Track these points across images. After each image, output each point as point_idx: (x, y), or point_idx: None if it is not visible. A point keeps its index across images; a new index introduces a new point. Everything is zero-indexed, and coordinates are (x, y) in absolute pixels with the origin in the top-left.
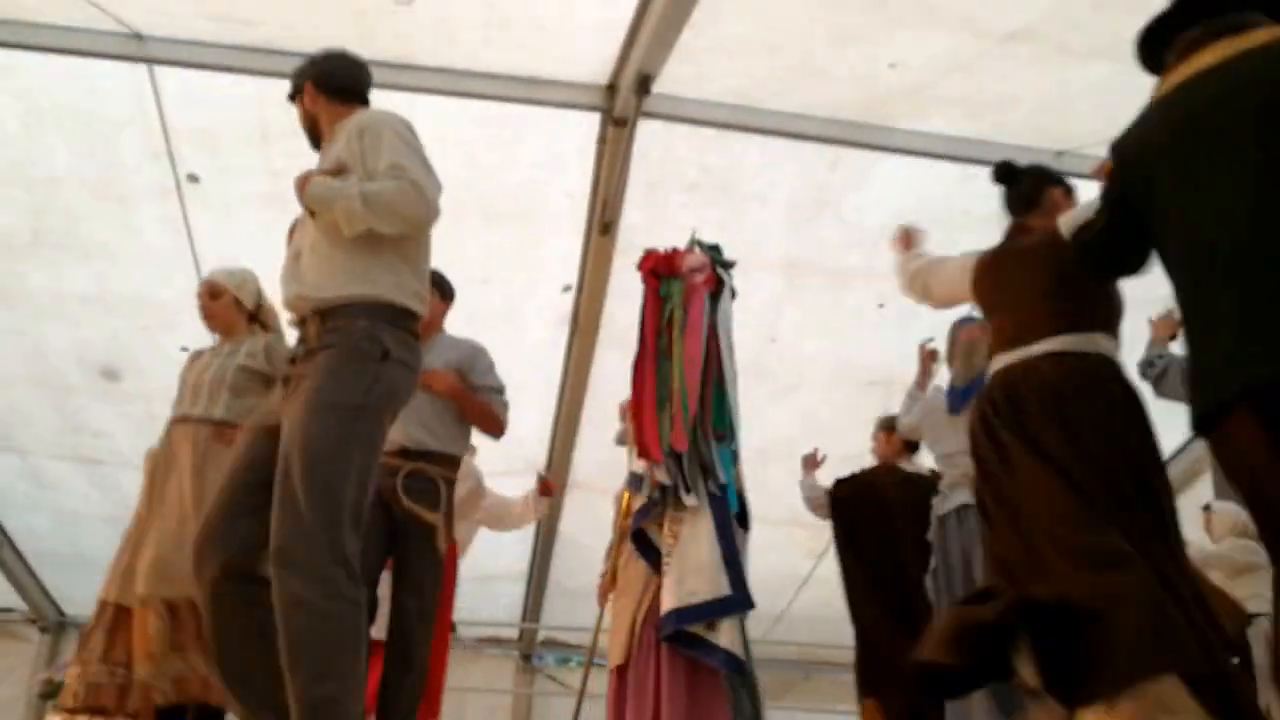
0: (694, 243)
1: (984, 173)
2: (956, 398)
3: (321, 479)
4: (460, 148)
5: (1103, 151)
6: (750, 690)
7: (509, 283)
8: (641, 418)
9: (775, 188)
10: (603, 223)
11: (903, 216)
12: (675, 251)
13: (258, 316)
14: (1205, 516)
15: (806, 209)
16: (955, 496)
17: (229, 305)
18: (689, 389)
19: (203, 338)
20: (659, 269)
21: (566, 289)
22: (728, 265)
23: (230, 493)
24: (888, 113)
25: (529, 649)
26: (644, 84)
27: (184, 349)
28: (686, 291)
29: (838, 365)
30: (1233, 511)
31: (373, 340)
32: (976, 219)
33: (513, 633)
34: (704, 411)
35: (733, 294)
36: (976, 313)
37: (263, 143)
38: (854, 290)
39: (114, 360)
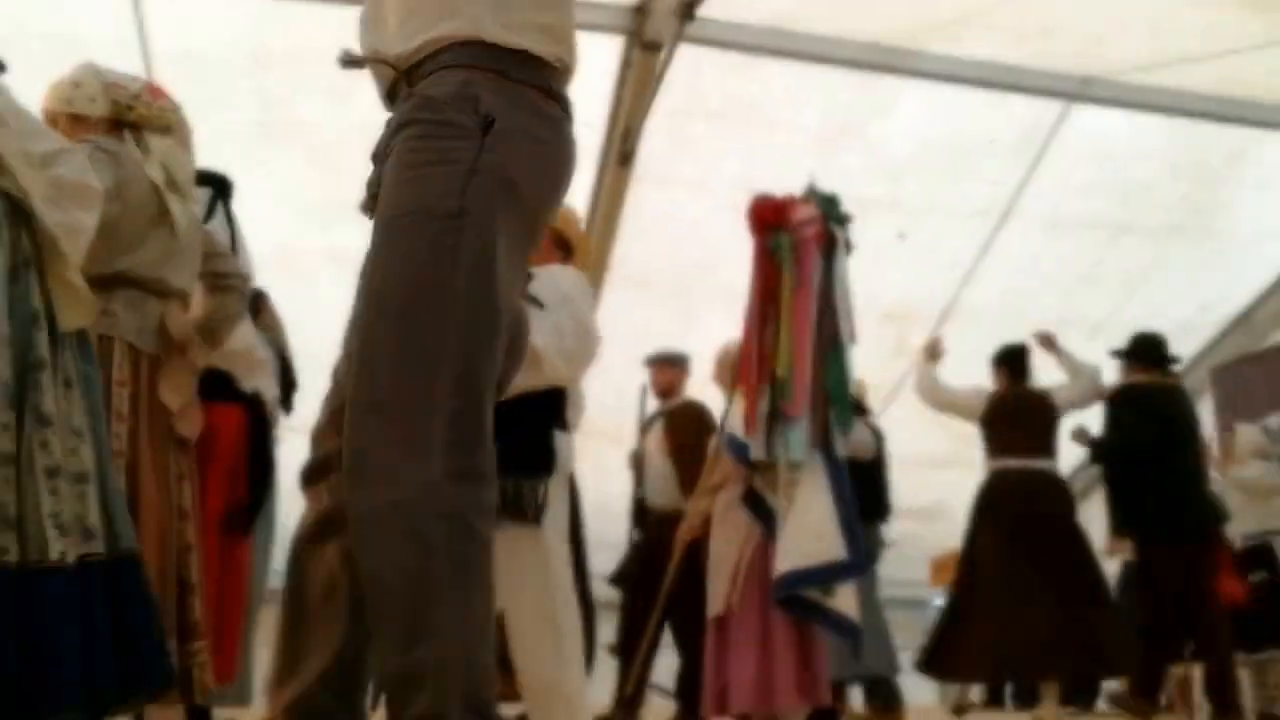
0: (810, 192)
1: (1010, 99)
2: None
3: (399, 329)
4: None
5: (1128, 79)
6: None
7: None
8: (745, 387)
9: (801, 116)
10: (621, 152)
11: (929, 146)
12: (788, 200)
13: (127, 119)
14: (1225, 437)
15: (831, 138)
16: None
17: (70, 128)
18: (797, 353)
19: None
20: (768, 219)
21: None
22: (843, 220)
23: (334, 392)
24: (922, 40)
25: None
26: (689, 7)
27: None
28: (796, 246)
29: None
30: (1254, 433)
31: (468, 104)
32: (1004, 146)
33: None
34: (817, 376)
35: (848, 248)
36: None
37: (257, 69)
38: (875, 221)
39: None
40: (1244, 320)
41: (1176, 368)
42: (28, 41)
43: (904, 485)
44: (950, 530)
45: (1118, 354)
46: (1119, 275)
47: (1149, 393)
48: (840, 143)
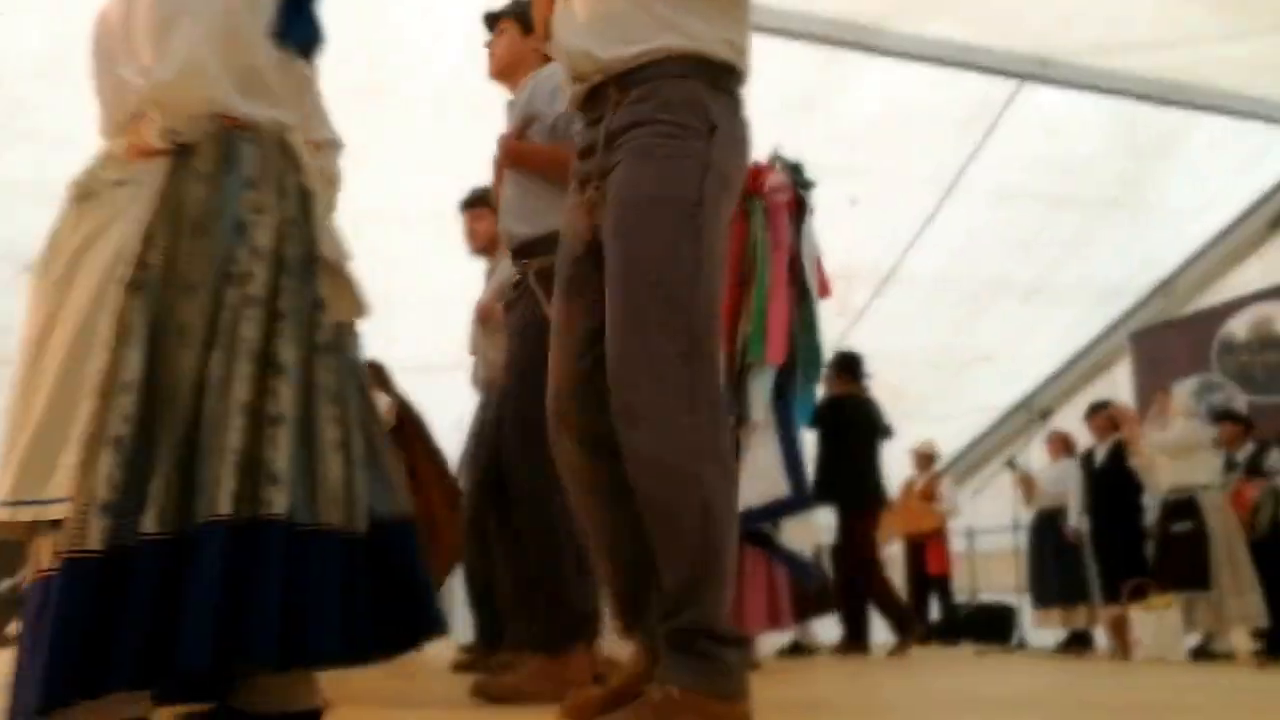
0: (775, 159)
1: (963, 78)
2: None
3: (658, 297)
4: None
5: (1080, 61)
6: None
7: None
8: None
9: (761, 88)
10: None
11: (886, 118)
12: (757, 167)
13: None
14: (1161, 395)
15: (792, 109)
16: None
17: None
18: (776, 309)
19: None
20: (744, 186)
21: None
22: (808, 186)
23: (568, 347)
24: (891, 22)
25: None
26: None
27: None
28: (769, 212)
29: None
30: (1186, 392)
31: (698, 110)
32: (956, 121)
33: None
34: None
35: (810, 213)
36: None
37: None
38: (828, 188)
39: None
40: (1165, 288)
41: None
42: None
43: None
44: None
45: (829, 366)
46: (1054, 244)
47: (844, 403)
48: (799, 114)
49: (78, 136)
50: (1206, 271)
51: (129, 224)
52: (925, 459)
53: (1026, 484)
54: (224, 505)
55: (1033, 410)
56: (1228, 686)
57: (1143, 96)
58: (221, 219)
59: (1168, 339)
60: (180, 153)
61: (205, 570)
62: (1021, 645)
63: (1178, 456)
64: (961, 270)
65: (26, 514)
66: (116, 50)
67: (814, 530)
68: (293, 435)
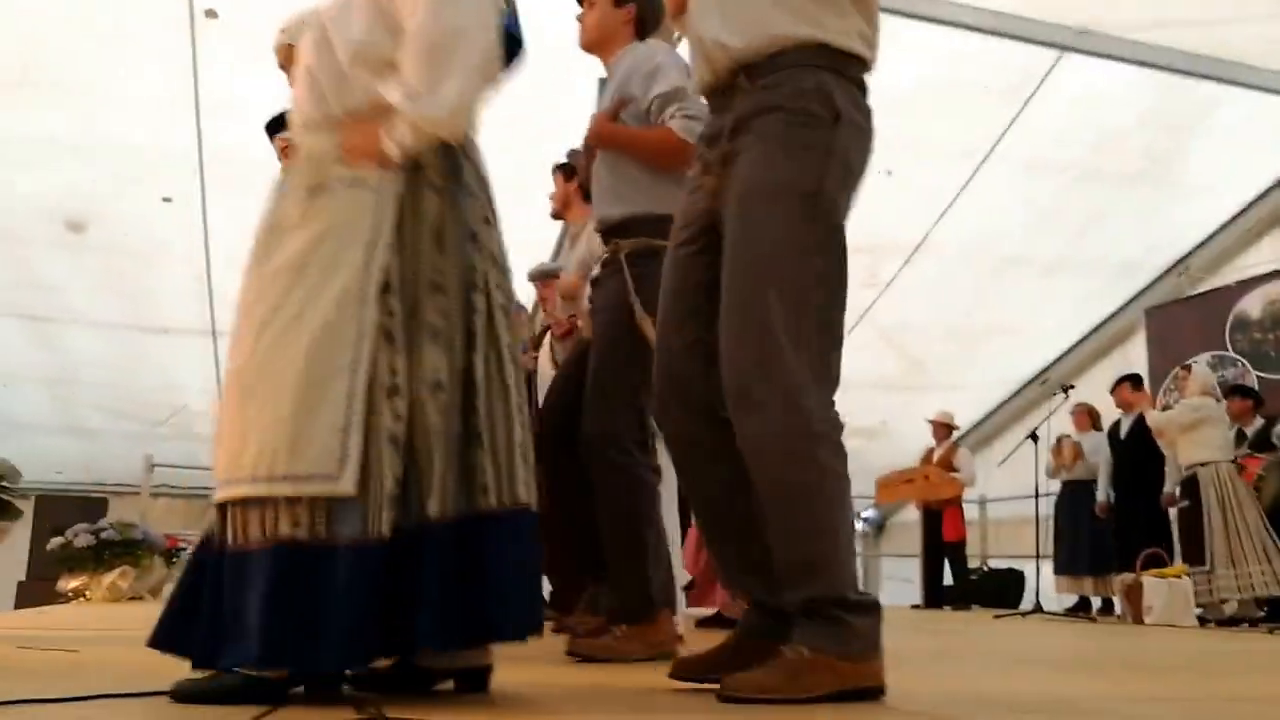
0: None
1: (1001, 48)
2: None
3: (778, 285)
4: None
5: (1121, 34)
6: None
7: None
8: None
9: None
10: None
11: (924, 86)
12: None
13: None
14: (1182, 374)
15: None
16: None
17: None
18: None
19: (190, 189)
20: None
21: None
22: None
23: (678, 324)
24: None
25: None
26: None
27: (166, 199)
28: None
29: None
30: (1202, 373)
31: (824, 99)
32: (987, 92)
33: None
34: None
35: None
36: None
37: None
38: None
39: (83, 211)
40: (1181, 264)
41: (1115, 307)
42: None
43: (853, 405)
44: (892, 449)
45: None
46: (1078, 218)
47: None
48: None
49: (119, 96)
50: (1223, 249)
51: (375, 230)
52: (944, 428)
53: (1071, 451)
54: (524, 495)
55: (1047, 383)
56: (1265, 650)
57: (1181, 70)
58: (458, 228)
59: (1182, 315)
60: (412, 164)
61: (502, 554)
62: (1039, 609)
63: (1186, 433)
64: (985, 242)
65: (284, 489)
66: (340, 43)
67: None
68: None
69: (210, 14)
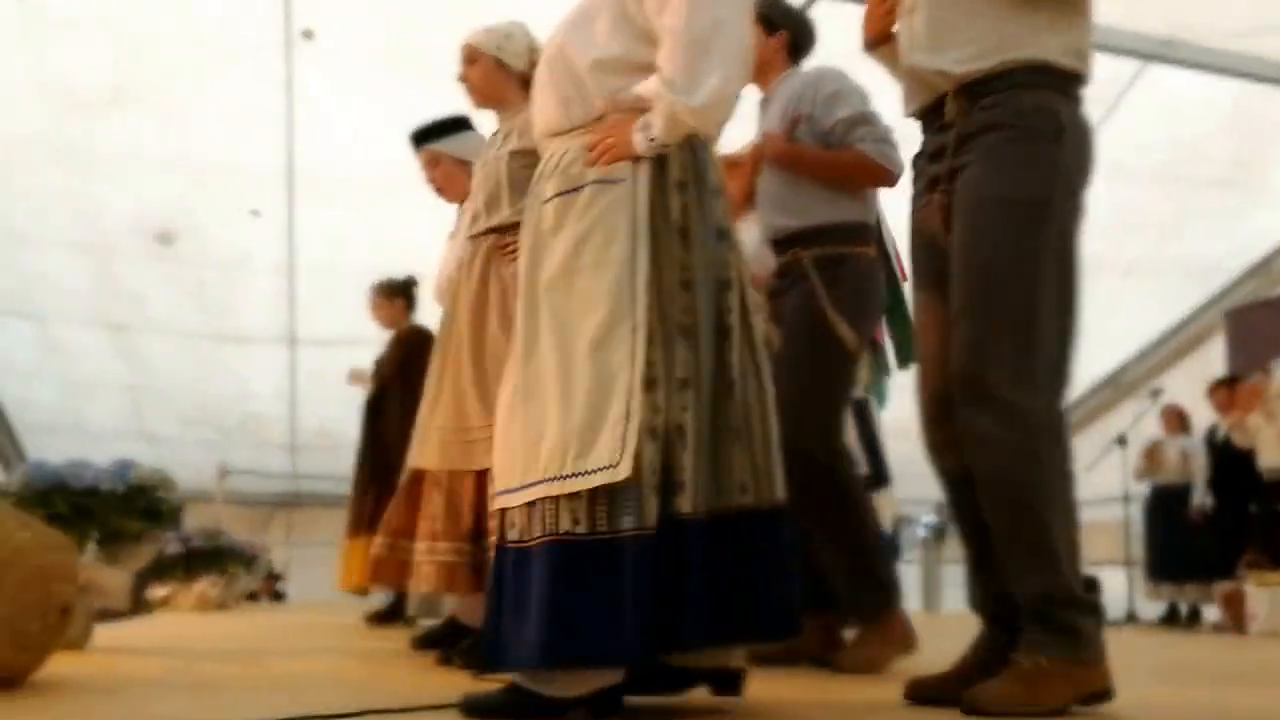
0: None
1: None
2: None
3: (1005, 288)
4: None
5: (1205, 43)
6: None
7: None
8: None
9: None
10: None
11: None
12: None
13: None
14: (1261, 376)
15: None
16: None
17: (490, 72)
18: None
19: (277, 204)
20: None
21: None
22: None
23: (938, 345)
24: None
25: None
26: None
27: (254, 212)
28: None
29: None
30: None
31: (1047, 115)
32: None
33: None
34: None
35: None
36: None
37: None
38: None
39: (172, 223)
40: (1262, 268)
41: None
42: None
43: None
44: None
45: None
46: (1159, 221)
47: None
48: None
49: (214, 113)
50: None
51: (632, 226)
52: None
53: (1154, 457)
54: (780, 491)
55: (1120, 385)
56: None
57: (1265, 79)
58: (703, 226)
59: (1262, 317)
60: (658, 163)
61: (761, 551)
62: (1132, 618)
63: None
64: None
65: (575, 484)
66: (580, 51)
67: (893, 503)
68: None
69: (307, 34)
